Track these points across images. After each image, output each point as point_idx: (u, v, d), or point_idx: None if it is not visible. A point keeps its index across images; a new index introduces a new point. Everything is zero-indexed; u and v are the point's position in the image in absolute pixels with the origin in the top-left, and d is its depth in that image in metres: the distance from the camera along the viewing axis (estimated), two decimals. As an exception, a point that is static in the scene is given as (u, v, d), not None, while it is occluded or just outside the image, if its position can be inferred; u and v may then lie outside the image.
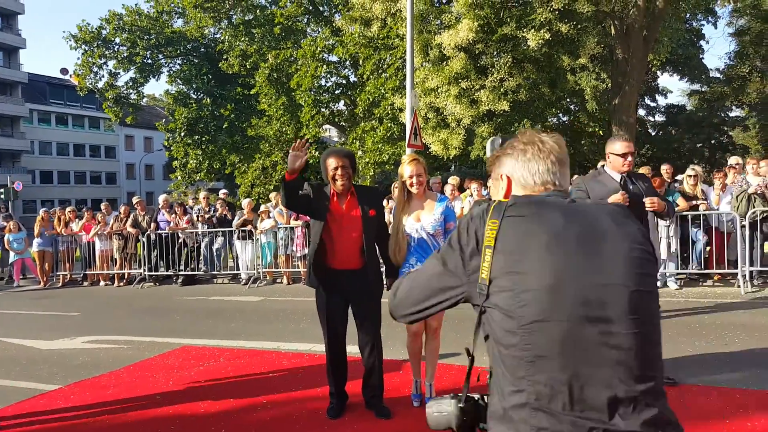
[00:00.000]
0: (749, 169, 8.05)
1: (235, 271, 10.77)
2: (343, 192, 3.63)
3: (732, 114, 27.73)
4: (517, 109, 14.96)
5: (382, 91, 16.34)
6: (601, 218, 1.26)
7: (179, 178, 23.83)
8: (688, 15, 19.43)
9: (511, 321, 1.18)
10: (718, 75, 23.07)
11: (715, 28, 61.50)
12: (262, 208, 10.59)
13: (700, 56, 24.56)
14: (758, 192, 7.52)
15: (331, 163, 3.58)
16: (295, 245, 9.95)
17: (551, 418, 1.14)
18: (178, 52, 24.85)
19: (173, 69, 25.71)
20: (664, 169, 8.60)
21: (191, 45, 25.18)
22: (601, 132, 21.81)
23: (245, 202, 10.90)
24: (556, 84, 15.84)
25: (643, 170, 5.85)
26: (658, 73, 25.32)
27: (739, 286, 7.32)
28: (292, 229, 10.04)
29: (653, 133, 28.77)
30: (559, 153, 1.38)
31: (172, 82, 25.02)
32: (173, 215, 11.08)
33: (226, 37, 21.48)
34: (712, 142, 27.99)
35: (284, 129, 19.54)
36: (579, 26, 12.06)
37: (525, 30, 11.66)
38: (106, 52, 24.21)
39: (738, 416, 3.42)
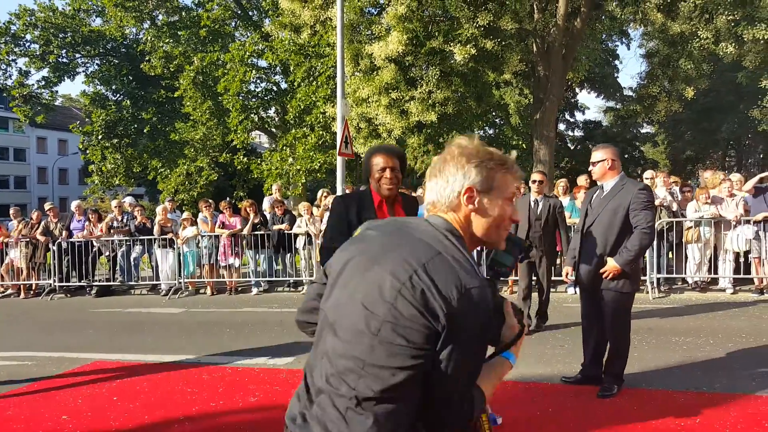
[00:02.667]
0: (658, 183, 8.63)
1: (155, 282, 10.27)
2: (390, 200, 3.01)
3: (643, 130, 29.80)
4: (446, 121, 15.30)
5: (314, 98, 16.25)
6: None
7: (96, 182, 22.53)
8: (604, 36, 20.69)
9: None
10: (631, 93, 24.64)
11: (628, 49, 65.99)
12: (185, 215, 10.18)
13: (615, 75, 26.23)
14: (664, 204, 8.08)
15: (378, 162, 2.92)
16: (220, 254, 9.64)
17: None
18: (97, 51, 23.60)
19: (91, 69, 24.38)
20: (583, 178, 9.06)
21: (111, 45, 23.99)
22: (524, 145, 22.74)
23: (160, 209, 10.41)
24: (482, 98, 16.37)
25: (537, 175, 6.04)
26: (577, 90, 26.79)
27: (647, 292, 7.81)
28: (216, 237, 9.72)
29: (572, 147, 30.36)
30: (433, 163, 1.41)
31: (89, 83, 23.71)
32: (88, 222, 10.44)
33: (149, 38, 20.64)
34: (626, 156, 29.89)
35: (211, 134, 18.97)
36: (503, 43, 12.53)
37: (452, 44, 11.96)
38: (16, 49, 22.63)
39: (644, 416, 3.62)
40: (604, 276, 3.78)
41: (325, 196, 9.99)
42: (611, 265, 3.76)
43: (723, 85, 21.01)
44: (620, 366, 4.01)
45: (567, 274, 4.43)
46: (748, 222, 7.74)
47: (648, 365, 4.69)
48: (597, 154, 3.94)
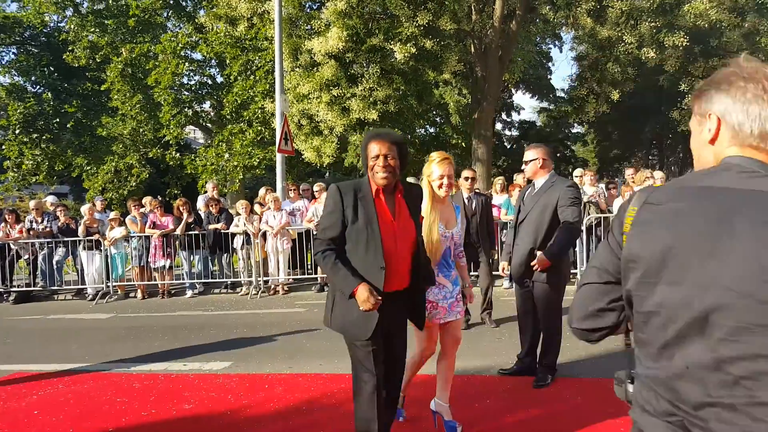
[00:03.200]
0: (586, 180, 9.00)
1: (80, 286, 9.69)
2: (388, 189, 2.72)
3: (574, 130, 31.07)
4: (387, 119, 15.36)
5: (251, 93, 15.83)
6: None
7: (10, 180, 20.98)
8: (538, 38, 21.43)
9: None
10: (563, 95, 25.66)
11: (561, 52, 68.56)
12: (112, 215, 9.66)
13: (549, 77, 27.23)
14: (593, 200, 8.43)
15: (372, 149, 2.68)
16: (150, 255, 9.22)
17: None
18: (13, 39, 21.98)
19: (6, 59, 22.70)
20: (520, 177, 9.33)
21: (29, 33, 22.41)
22: (464, 144, 23.17)
23: (85, 208, 9.82)
24: (422, 97, 16.51)
25: (468, 172, 6.15)
26: (513, 90, 27.60)
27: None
28: (147, 237, 9.28)
29: (509, 146, 31.27)
30: None
31: (5, 73, 22.06)
32: (4, 223, 9.71)
33: (72, 27, 19.42)
34: (558, 155, 31.09)
35: (141, 129, 18.11)
36: (442, 43, 12.68)
37: (392, 42, 11.99)
38: None
39: (577, 403, 3.74)
40: (534, 269, 3.91)
41: (268, 192, 9.75)
42: (540, 258, 3.92)
43: (647, 88, 22.14)
44: (553, 357, 4.17)
45: (503, 269, 4.53)
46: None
47: (580, 354, 4.86)
48: (529, 153, 4.11)
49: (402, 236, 2.70)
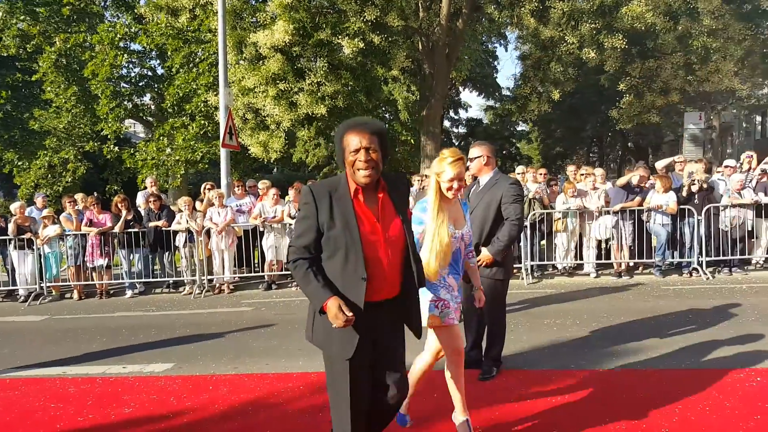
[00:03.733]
0: (529, 177, 9.24)
1: (11, 287, 9.15)
2: (370, 186, 2.39)
3: (519, 128, 31.89)
4: (336, 114, 15.26)
5: (194, 86, 15.36)
6: None
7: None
8: (484, 37, 21.83)
9: None
10: (508, 93, 26.28)
11: (506, 51, 70.12)
12: (45, 212, 9.17)
13: (494, 76, 27.82)
14: (536, 197, 8.67)
15: (351, 142, 2.33)
16: (87, 254, 8.81)
17: None
18: (-66, 25, 20.47)
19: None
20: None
21: (-48, 18, 20.92)
22: (412, 141, 23.34)
23: (15, 206, 9.27)
24: (371, 93, 16.50)
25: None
26: (460, 88, 28.03)
27: (522, 279, 8.35)
28: (83, 236, 8.87)
29: (457, 143, 31.76)
30: None
31: (-77, 61, 20.51)
32: (-77, 222, 9.05)
33: (0, 14, 18.28)
34: (503, 152, 31.84)
35: (77, 122, 17.25)
36: (390, 39, 12.70)
37: (340, 37, 11.92)
38: None
39: (521, 395, 3.84)
40: (479, 265, 3.97)
41: (209, 189, 9.50)
42: (484, 254, 4.00)
43: (587, 87, 22.99)
44: (498, 349, 4.26)
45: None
46: (608, 212, 8.53)
47: (523, 347, 5.00)
48: (474, 151, 4.17)
49: (388, 239, 2.38)
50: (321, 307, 2.27)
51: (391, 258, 2.39)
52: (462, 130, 32.11)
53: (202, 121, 15.54)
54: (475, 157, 4.13)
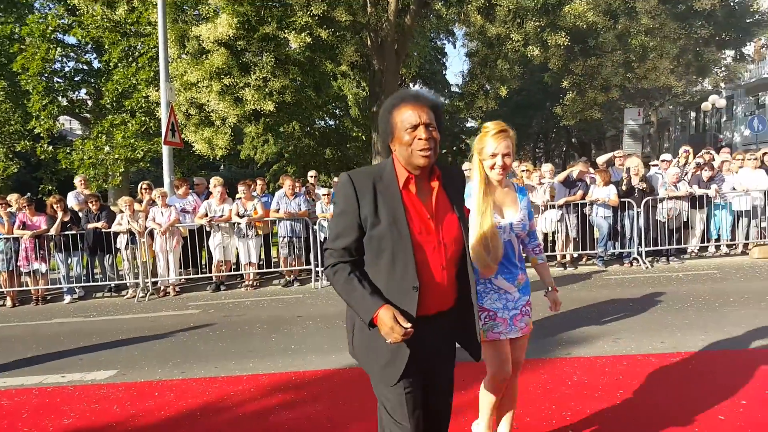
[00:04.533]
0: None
1: (-65, 296, 8.55)
2: (423, 175, 1.99)
3: (468, 124, 32.35)
4: (285, 110, 15.02)
5: (134, 81, 14.78)
6: None
7: None
8: (432, 34, 21.97)
9: None
10: (457, 90, 26.57)
11: (454, 47, 70.87)
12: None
13: (443, 72, 28.08)
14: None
15: (408, 117, 1.90)
16: (21, 259, 8.33)
17: None
18: None
19: None
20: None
21: None
22: (364, 137, 23.29)
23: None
24: (321, 88, 16.35)
25: None
26: (411, 84, 28.14)
27: (474, 273, 8.46)
28: (16, 239, 8.37)
29: (407, 139, 31.89)
30: None
31: None
32: None
33: None
34: (454, 148, 32.25)
35: (6, 119, 16.28)
36: (338, 34, 12.59)
37: (286, 31, 11.72)
38: None
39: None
40: None
41: (145, 189, 9.13)
42: None
43: (533, 85, 23.55)
44: None
45: None
46: (553, 206, 8.76)
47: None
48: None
49: (443, 240, 1.96)
50: (371, 320, 1.84)
51: (446, 263, 1.96)
52: (412, 126, 32.28)
53: (143, 118, 14.98)
54: None
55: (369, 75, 15.57)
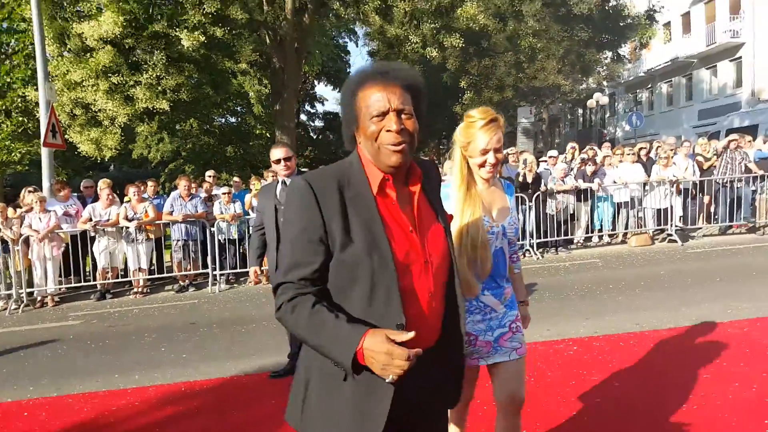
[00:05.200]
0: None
1: None
2: (400, 174, 1.50)
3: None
4: (181, 108, 14.43)
5: (8, 80, 13.56)
6: None
7: None
8: (334, 32, 22.02)
9: None
10: (361, 88, 26.77)
11: (357, 46, 71.19)
12: None
13: (347, 70, 28.18)
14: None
15: (374, 101, 1.41)
16: None
17: None
18: None
19: None
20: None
21: None
22: (267, 134, 22.88)
23: None
24: (220, 86, 15.86)
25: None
26: (315, 82, 28.01)
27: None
28: None
29: (315, 137, 31.75)
30: None
31: None
32: None
33: None
34: (361, 145, 32.47)
35: None
36: (234, 32, 12.27)
37: (178, 29, 11.25)
38: None
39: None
40: None
41: (31, 193, 8.41)
42: None
43: (434, 84, 24.17)
44: None
45: (255, 273, 4.10)
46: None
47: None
48: (283, 151, 4.00)
49: (430, 259, 1.48)
50: (354, 356, 1.27)
51: (434, 289, 1.48)
52: (319, 123, 32.18)
53: (21, 118, 13.79)
54: (290, 157, 4.00)
55: (270, 73, 15.32)
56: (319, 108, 31.88)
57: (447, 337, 1.56)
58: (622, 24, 17.76)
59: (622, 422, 3.06)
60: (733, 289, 5.91)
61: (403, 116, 1.41)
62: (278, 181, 4.11)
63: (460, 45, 14.23)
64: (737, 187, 9.62)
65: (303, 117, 30.34)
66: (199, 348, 5.27)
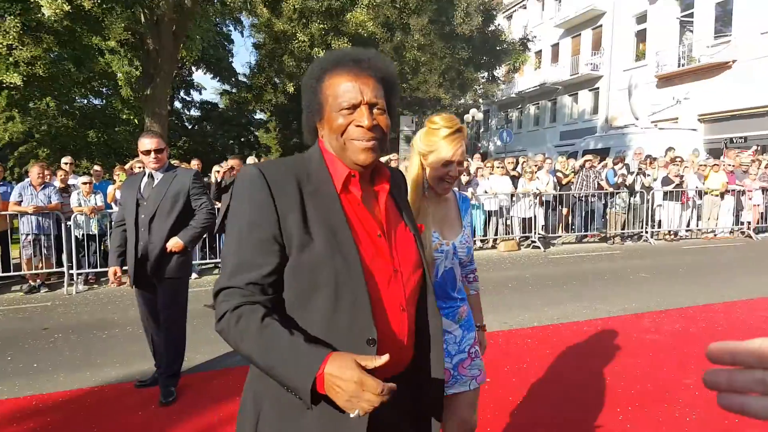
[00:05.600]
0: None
1: None
2: (367, 171, 1.32)
3: (257, 116, 31.78)
4: (36, 84, 12.89)
5: None
6: None
7: None
8: (218, 19, 21.00)
9: None
10: (245, 80, 25.89)
11: (242, 36, 68.95)
12: None
13: (230, 60, 27.05)
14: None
15: (344, 91, 1.23)
16: None
17: None
18: None
19: None
20: (195, 164, 8.94)
21: None
22: (136, 120, 21.24)
23: None
24: (83, 63, 14.42)
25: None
26: (194, 68, 26.49)
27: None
28: None
29: (189, 127, 30.05)
30: None
31: None
32: None
33: None
34: (242, 139, 31.37)
35: None
36: (105, 5, 11.22)
37: (38, -6, 10.04)
38: None
39: (209, 401, 3.77)
40: (169, 251, 3.63)
41: None
42: (175, 242, 3.64)
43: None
44: (180, 362, 3.85)
45: (115, 274, 3.75)
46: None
47: (219, 350, 4.91)
48: (155, 142, 3.68)
49: (400, 268, 1.29)
50: (313, 384, 1.03)
51: (405, 301, 1.28)
52: (195, 112, 30.54)
53: None
54: (161, 149, 3.70)
55: (142, 54, 14.22)
56: (196, 96, 30.29)
57: (421, 360, 1.35)
58: (499, 48, 19.07)
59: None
60: (587, 291, 6.58)
61: (375, 111, 1.25)
62: (145, 174, 3.77)
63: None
64: (591, 201, 10.80)
65: (177, 104, 28.60)
66: (53, 356, 4.71)
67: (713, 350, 0.52)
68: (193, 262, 8.07)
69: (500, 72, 22.60)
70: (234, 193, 1.27)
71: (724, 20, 19.03)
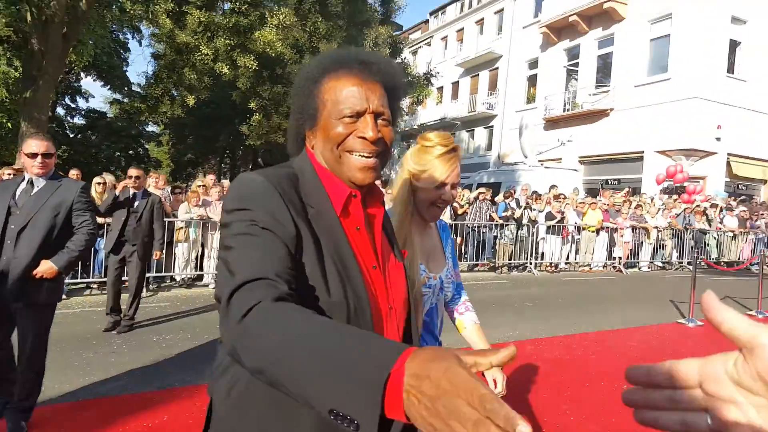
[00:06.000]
0: (151, 182, 8.72)
1: None
2: (362, 192, 1.14)
3: (149, 129, 30.18)
4: None
5: None
6: None
7: None
8: (114, 25, 19.84)
9: None
10: (139, 90, 24.53)
11: (140, 45, 65.65)
12: None
13: (124, 68, 25.57)
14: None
15: (350, 97, 1.06)
16: None
17: None
18: None
19: None
20: (74, 174, 8.31)
21: None
22: (10, 125, 19.36)
23: None
24: (-50, 57, 12.96)
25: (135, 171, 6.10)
26: (83, 74, 24.73)
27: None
28: None
29: (72, 135, 27.90)
30: None
31: None
32: None
33: None
34: (130, 152, 29.60)
35: None
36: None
37: None
38: None
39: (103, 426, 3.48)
40: (37, 277, 3.23)
41: None
42: (48, 267, 3.26)
43: (222, 99, 23.44)
44: (37, 394, 3.42)
45: None
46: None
47: (124, 368, 4.61)
48: (43, 145, 3.31)
49: (393, 305, 1.15)
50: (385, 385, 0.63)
51: (399, 324, 1.17)
52: (80, 120, 28.44)
53: None
54: (51, 154, 3.34)
55: (25, 54, 13.04)
56: (82, 104, 28.27)
57: None
58: (404, 80, 19.66)
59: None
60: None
61: (380, 121, 1.11)
62: (23, 179, 3.38)
63: (254, 67, 14.11)
64: (483, 232, 11.35)
65: (60, 111, 26.49)
66: None
67: (631, 372, 0.57)
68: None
69: (404, 104, 23.34)
70: (236, 198, 1.01)
71: (604, 72, 21.18)
